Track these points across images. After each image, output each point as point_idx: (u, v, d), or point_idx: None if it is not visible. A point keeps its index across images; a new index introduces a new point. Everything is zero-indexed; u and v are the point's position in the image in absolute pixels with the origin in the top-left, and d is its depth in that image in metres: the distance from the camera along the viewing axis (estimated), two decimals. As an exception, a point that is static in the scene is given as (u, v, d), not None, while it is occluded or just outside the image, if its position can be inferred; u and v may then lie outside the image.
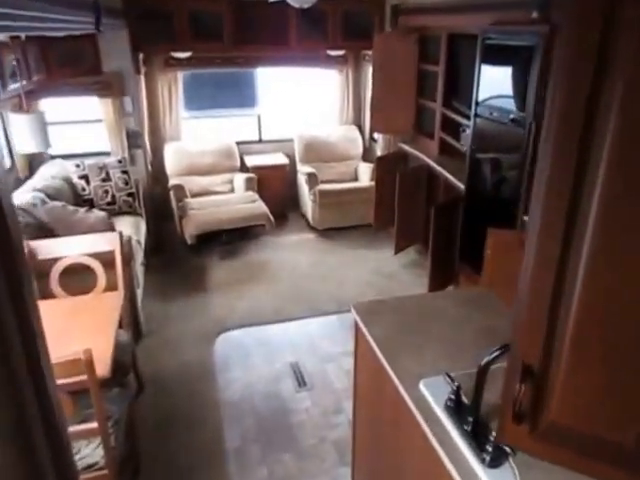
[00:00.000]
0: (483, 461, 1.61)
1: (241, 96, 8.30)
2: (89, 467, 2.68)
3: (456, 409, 1.81)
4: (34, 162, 5.77)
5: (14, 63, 4.25)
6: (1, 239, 0.88)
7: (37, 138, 4.29)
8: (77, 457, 2.68)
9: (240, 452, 3.54)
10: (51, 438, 1.04)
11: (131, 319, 4.05)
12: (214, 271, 6.01)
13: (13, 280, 0.90)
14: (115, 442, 2.79)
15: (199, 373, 4.31)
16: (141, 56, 6.42)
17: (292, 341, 4.74)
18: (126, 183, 5.79)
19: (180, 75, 7.05)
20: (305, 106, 9.29)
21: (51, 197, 4.76)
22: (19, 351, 0.92)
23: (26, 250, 3.58)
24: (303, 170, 7.09)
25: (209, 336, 4.78)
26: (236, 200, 6.68)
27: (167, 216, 6.81)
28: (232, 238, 6.48)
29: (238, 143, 7.41)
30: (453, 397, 1.83)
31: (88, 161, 5.79)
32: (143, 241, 5.54)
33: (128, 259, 4.33)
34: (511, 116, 3.77)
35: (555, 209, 1.02)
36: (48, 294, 3.62)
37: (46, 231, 4.33)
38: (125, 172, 5.82)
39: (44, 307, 3.27)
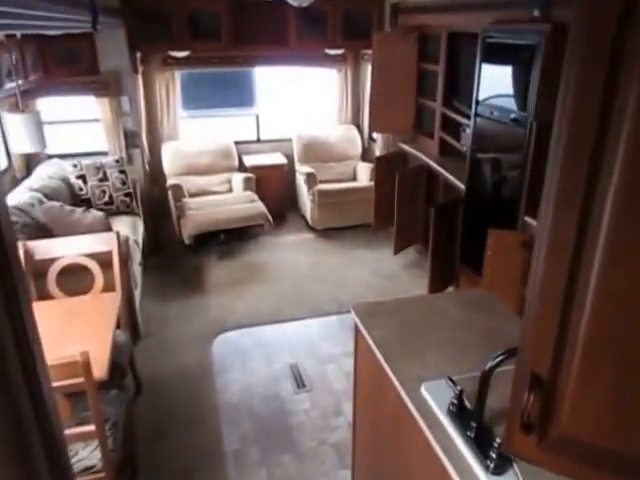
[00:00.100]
0: (487, 468, 1.58)
1: (239, 95, 8.29)
2: (86, 470, 2.66)
3: (459, 414, 1.78)
4: (31, 162, 5.76)
5: (11, 62, 4.22)
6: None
7: (33, 138, 4.25)
8: (74, 460, 2.66)
9: (239, 454, 3.51)
10: (47, 441, 1.02)
11: (129, 320, 4.02)
12: (212, 271, 5.98)
13: (7, 281, 0.89)
14: (113, 444, 2.77)
15: (197, 374, 4.28)
16: (138, 55, 6.39)
17: (291, 342, 4.71)
18: (123, 183, 5.76)
19: (178, 74, 7.02)
20: (304, 106, 9.28)
21: (48, 197, 4.74)
22: (13, 353, 0.91)
23: (23, 250, 3.57)
24: (302, 170, 7.07)
25: (207, 337, 4.76)
26: (234, 200, 6.65)
27: (165, 216, 6.78)
28: (230, 238, 6.45)
29: (236, 143, 7.38)
30: (456, 402, 1.80)
31: (85, 161, 5.76)
32: (141, 241, 5.52)
33: (126, 259, 4.30)
34: (512, 116, 3.75)
35: (566, 214, 0.99)
36: (45, 295, 3.61)
37: (43, 231, 4.31)
38: (122, 172, 5.79)
39: (41, 308, 3.32)
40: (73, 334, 3.09)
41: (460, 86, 5.12)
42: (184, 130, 7.42)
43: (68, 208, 4.55)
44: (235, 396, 4.05)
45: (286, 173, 7.35)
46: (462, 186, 4.61)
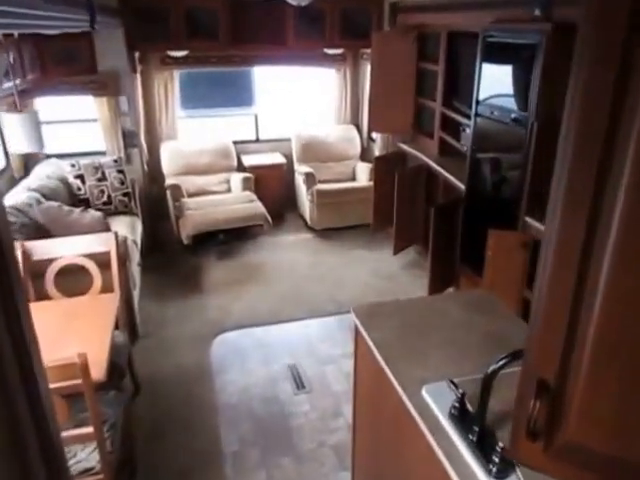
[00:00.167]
0: (489, 472, 1.56)
1: (238, 95, 8.27)
2: (85, 472, 2.65)
3: (460, 417, 1.77)
4: (30, 162, 5.74)
5: (9, 61, 4.20)
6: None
7: (31, 138, 4.23)
8: (73, 461, 2.65)
9: (238, 456, 3.50)
10: (44, 444, 1.01)
11: (127, 320, 4.00)
12: (211, 272, 5.96)
13: (3, 281, 0.88)
14: (111, 446, 2.76)
15: (196, 375, 4.26)
16: (137, 55, 6.37)
17: (290, 343, 4.70)
18: (122, 183, 5.74)
19: (176, 74, 7.00)
20: (302, 105, 9.26)
21: (47, 197, 4.73)
22: (10, 354, 0.89)
23: (21, 251, 3.55)
24: (301, 170, 7.05)
25: (206, 337, 4.74)
26: (233, 200, 6.63)
27: (163, 216, 6.76)
28: (229, 238, 6.43)
29: (235, 142, 7.35)
30: (457, 405, 1.79)
31: (84, 161, 5.75)
32: (139, 241, 5.50)
33: (124, 260, 4.28)
34: (512, 115, 3.73)
35: (575, 215, 0.97)
36: (43, 295, 3.59)
37: (41, 231, 4.30)
38: (121, 172, 5.77)
39: (39, 309, 3.31)
40: (71, 335, 3.08)
41: (460, 86, 5.11)
42: (183, 130, 7.40)
43: (66, 208, 4.54)
44: (234, 397, 4.03)
45: (285, 173, 7.33)
46: (462, 186, 4.59)
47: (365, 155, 7.60)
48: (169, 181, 6.68)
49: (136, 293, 4.86)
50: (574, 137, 0.97)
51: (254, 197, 6.66)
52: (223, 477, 3.34)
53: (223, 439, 3.63)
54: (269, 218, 6.34)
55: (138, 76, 6.54)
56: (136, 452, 3.38)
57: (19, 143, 4.31)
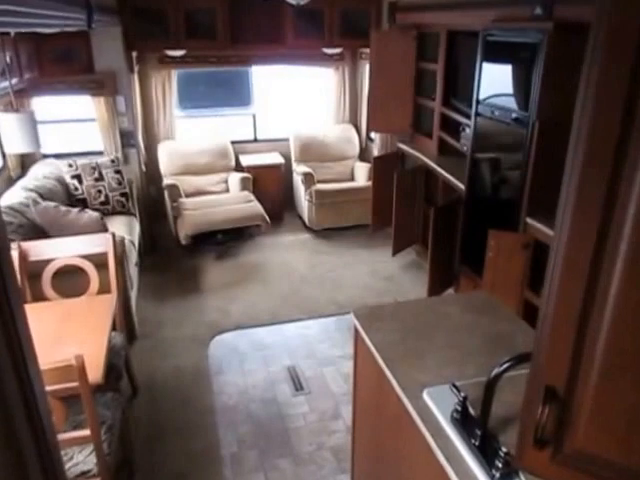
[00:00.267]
0: (492, 478, 1.54)
1: (236, 95, 8.22)
2: (82, 474, 2.63)
3: (463, 421, 1.74)
4: (27, 161, 5.72)
5: (5, 60, 4.18)
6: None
7: (27, 138, 4.21)
8: (70, 464, 2.63)
9: (236, 458, 3.48)
10: (40, 446, 1.01)
11: (125, 321, 3.98)
12: (209, 272, 5.94)
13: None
14: (108, 448, 2.74)
15: (194, 376, 4.24)
16: (134, 54, 6.33)
17: (288, 344, 4.67)
18: (119, 183, 5.71)
19: (174, 73, 6.98)
20: (301, 105, 9.23)
21: (44, 197, 4.71)
22: (5, 356, 0.89)
23: (18, 251, 3.52)
24: (299, 170, 7.02)
25: (204, 338, 4.72)
26: (231, 200, 6.60)
27: (161, 216, 6.75)
28: (227, 239, 6.40)
29: (233, 142, 7.33)
30: (459, 408, 1.76)
31: (81, 161, 5.72)
32: (137, 242, 5.48)
33: (121, 260, 4.27)
34: (513, 115, 3.70)
35: (586, 217, 0.95)
36: (40, 296, 3.57)
37: (38, 232, 4.28)
38: (118, 172, 5.74)
39: (36, 310, 3.29)
40: (68, 336, 3.06)
41: (459, 85, 5.08)
42: (180, 130, 7.38)
43: (63, 208, 4.51)
44: (232, 399, 4.01)
45: (283, 173, 7.30)
46: (462, 186, 4.57)
47: (364, 155, 7.58)
48: (167, 181, 6.65)
49: (134, 294, 4.85)
50: (585, 141, 0.94)
51: (252, 197, 6.63)
52: (221, 479, 3.31)
53: (221, 441, 3.61)
54: (267, 218, 6.32)
55: (136, 76, 6.51)
56: (134, 454, 3.36)
57: (15, 143, 4.29)
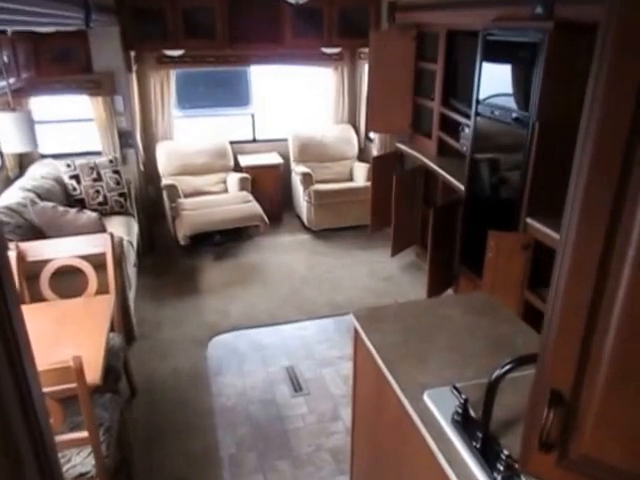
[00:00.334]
0: (494, 480, 1.53)
1: (235, 95, 8.21)
2: (80, 476, 2.62)
3: (464, 423, 1.73)
4: (25, 161, 5.70)
5: (2, 60, 4.16)
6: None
7: (24, 137, 4.19)
8: (68, 466, 2.62)
9: (235, 459, 3.46)
10: (37, 448, 1.01)
11: (123, 322, 3.96)
12: (207, 273, 5.93)
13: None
14: (107, 450, 2.72)
15: (192, 378, 4.23)
16: (132, 54, 6.31)
17: (287, 345, 4.65)
18: (118, 183, 5.70)
19: (172, 73, 6.96)
20: (300, 105, 9.22)
21: (42, 197, 4.70)
22: (1, 355, 0.89)
23: (16, 252, 3.51)
24: (298, 170, 7.01)
25: (202, 339, 4.70)
26: (230, 200, 6.59)
27: (160, 217, 6.74)
28: (226, 239, 6.38)
29: (232, 142, 7.31)
30: (460, 411, 1.75)
31: (79, 161, 5.70)
32: (135, 242, 5.46)
33: (120, 261, 4.25)
34: (513, 115, 3.69)
35: (593, 220, 0.93)
36: (38, 297, 3.55)
37: (36, 232, 4.26)
38: (116, 172, 5.73)
39: (34, 311, 3.27)
40: (66, 337, 3.05)
41: (459, 85, 5.07)
42: (179, 130, 7.36)
43: (61, 209, 4.50)
44: (230, 400, 3.99)
45: (282, 173, 7.28)
46: (461, 187, 4.55)
47: (363, 155, 7.56)
48: (165, 181, 6.64)
49: (132, 294, 4.83)
50: (593, 142, 0.92)
51: (251, 197, 6.62)
52: (220, 481, 3.31)
53: (220, 442, 3.59)
54: (266, 219, 6.30)
55: (134, 75, 6.50)
56: (132, 456, 3.34)
57: (12, 142, 4.27)
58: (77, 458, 2.65)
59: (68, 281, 3.62)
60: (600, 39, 0.90)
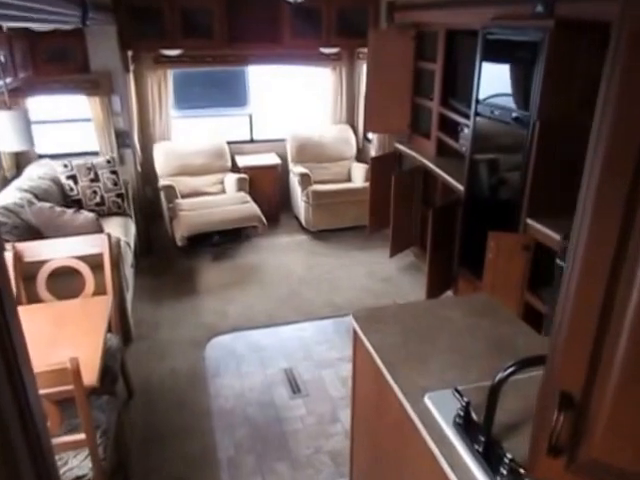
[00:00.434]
0: (497, 485, 1.51)
1: (232, 95, 8.20)
2: (77, 479, 2.60)
3: (466, 427, 1.71)
4: (22, 162, 5.68)
5: (0, 59, 4.14)
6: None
7: (20, 136, 4.16)
8: (65, 469, 2.61)
9: (233, 461, 3.44)
10: (34, 451, 1.00)
11: (120, 323, 3.94)
12: (205, 273, 5.91)
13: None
14: (104, 453, 2.71)
15: (190, 379, 4.21)
16: (130, 53, 6.29)
17: (286, 346, 4.63)
18: (115, 183, 5.68)
19: (170, 73, 6.94)
20: (298, 105, 9.21)
21: (39, 198, 4.68)
22: None
23: (12, 252, 3.48)
24: (296, 170, 6.99)
25: (200, 341, 4.68)
26: (227, 201, 6.57)
27: (157, 217, 6.72)
28: (223, 240, 6.37)
29: (229, 143, 7.30)
30: (462, 414, 1.73)
31: (76, 161, 5.68)
32: (132, 243, 5.45)
33: (117, 261, 4.23)
34: (513, 115, 3.67)
35: (605, 221, 0.91)
36: (35, 298, 3.53)
37: (33, 233, 4.25)
38: (114, 172, 5.71)
39: (31, 311, 3.25)
40: (63, 339, 3.04)
41: (458, 85, 5.05)
42: (176, 130, 7.34)
43: (58, 209, 4.48)
44: (228, 401, 3.97)
45: (280, 174, 7.27)
46: (461, 187, 4.53)
47: (361, 156, 7.55)
48: (163, 182, 6.62)
49: (129, 295, 4.81)
50: (605, 143, 0.90)
51: (248, 198, 6.60)
52: (218, 484, 3.29)
53: (218, 444, 3.57)
54: (264, 219, 6.29)
55: (131, 75, 6.48)
56: (129, 458, 3.32)
57: (9, 141, 4.24)
58: (74, 461, 2.64)
59: (65, 282, 3.61)
60: (613, 41, 0.88)
